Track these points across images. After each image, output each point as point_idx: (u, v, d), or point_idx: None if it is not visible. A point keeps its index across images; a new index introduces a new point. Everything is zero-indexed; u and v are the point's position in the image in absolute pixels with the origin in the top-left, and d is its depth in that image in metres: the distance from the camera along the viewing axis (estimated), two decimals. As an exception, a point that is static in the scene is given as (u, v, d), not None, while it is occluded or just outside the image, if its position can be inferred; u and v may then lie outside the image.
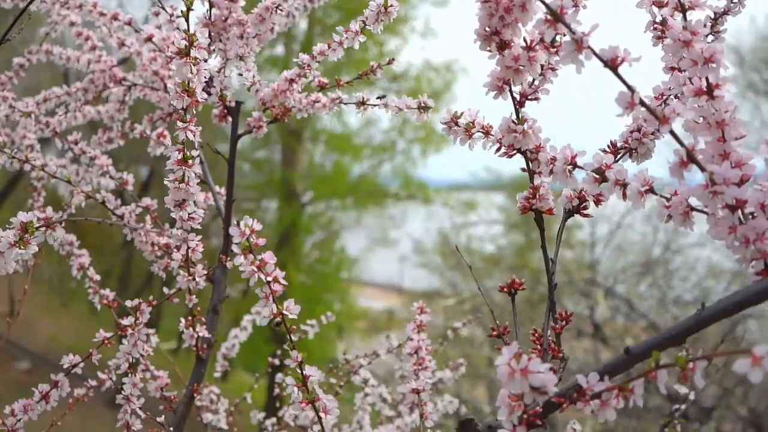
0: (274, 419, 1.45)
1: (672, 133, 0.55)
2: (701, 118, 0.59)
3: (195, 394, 1.05)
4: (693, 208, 0.58)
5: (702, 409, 6.02)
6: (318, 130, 11.95)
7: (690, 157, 0.55)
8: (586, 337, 7.30)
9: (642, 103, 0.54)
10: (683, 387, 1.21)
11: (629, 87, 0.54)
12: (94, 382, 1.20)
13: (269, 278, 0.67)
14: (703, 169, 0.55)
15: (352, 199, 11.88)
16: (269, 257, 0.67)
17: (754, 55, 9.59)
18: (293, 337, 0.69)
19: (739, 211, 0.56)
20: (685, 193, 0.58)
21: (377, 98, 0.98)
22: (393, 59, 1.08)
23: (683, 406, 1.17)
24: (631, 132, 0.73)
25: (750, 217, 0.56)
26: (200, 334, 1.03)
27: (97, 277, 1.17)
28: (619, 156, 0.74)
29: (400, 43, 11.12)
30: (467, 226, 10.45)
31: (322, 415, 0.69)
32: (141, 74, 1.33)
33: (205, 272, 0.96)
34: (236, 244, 0.66)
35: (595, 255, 7.38)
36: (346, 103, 1.04)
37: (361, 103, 1.03)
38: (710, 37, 0.77)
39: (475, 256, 10.18)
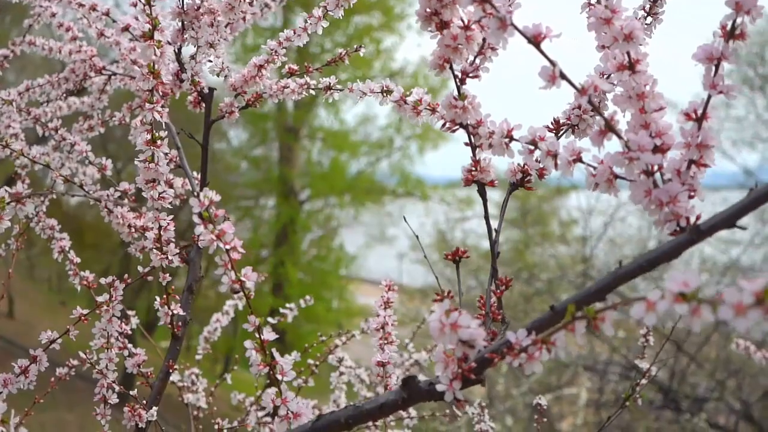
0: (252, 398, 1.49)
1: (590, 103, 0.59)
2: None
3: (170, 370, 1.09)
4: (617, 176, 0.62)
5: (694, 401, 6.06)
6: (315, 127, 12.01)
7: (609, 127, 0.59)
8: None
9: (562, 76, 0.58)
10: (644, 362, 1.25)
11: (551, 61, 0.58)
12: (75, 362, 1.24)
13: (228, 247, 0.71)
14: (620, 137, 0.59)
15: (350, 196, 11.94)
16: (228, 227, 0.71)
17: (749, 50, 9.62)
18: (246, 299, 0.73)
19: (658, 176, 0.60)
20: (609, 162, 0.62)
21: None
22: (360, 46, 1.12)
23: (643, 381, 1.21)
24: (573, 109, 0.77)
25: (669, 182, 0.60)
26: (175, 312, 1.07)
27: (78, 260, 1.21)
28: (561, 132, 0.78)
29: (397, 40, 11.18)
30: (463, 220, 10.51)
31: (279, 376, 0.73)
32: (124, 65, 1.36)
33: (178, 251, 1.00)
34: (196, 214, 0.69)
35: (589, 249, 7.42)
36: (313, 88, 1.09)
37: (328, 88, 1.07)
38: (649, 19, 0.81)
39: (473, 252, 10.23)
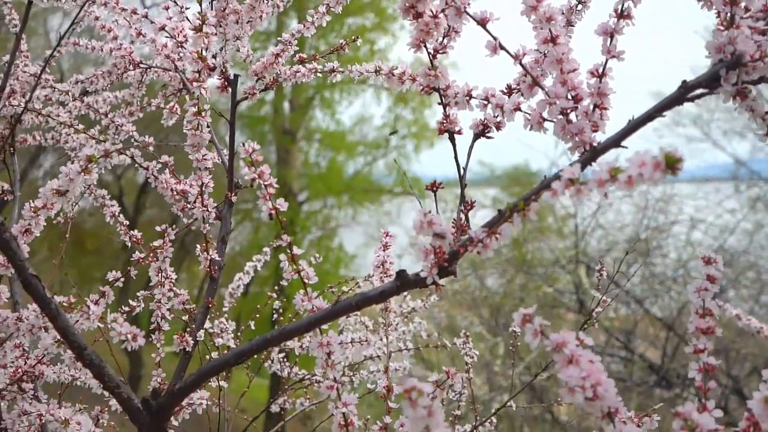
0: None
1: (522, 65, 0.84)
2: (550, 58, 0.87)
3: (209, 305, 1.34)
4: (544, 119, 0.87)
5: (684, 378, 6.32)
6: (312, 129, 12.26)
7: (534, 82, 0.84)
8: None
9: (501, 47, 0.83)
10: (597, 292, 1.49)
11: (493, 37, 0.83)
12: (126, 308, 1.48)
13: (266, 183, 0.95)
14: (543, 89, 0.84)
15: (348, 196, 12.18)
16: (266, 169, 0.96)
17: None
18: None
19: (573, 116, 0.85)
20: (538, 108, 0.86)
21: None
22: (357, 37, 1.37)
23: (599, 309, 1.45)
24: (520, 77, 1.01)
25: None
26: (212, 257, 1.31)
27: (127, 222, 1.45)
28: (513, 95, 1.02)
29: (390, 41, 11.45)
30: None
31: (306, 281, 0.98)
32: (162, 60, 1.61)
33: (216, 205, 1.25)
34: (242, 158, 0.94)
35: (579, 236, 7.68)
36: (320, 72, 1.33)
37: (332, 71, 1.32)
38: (579, 6, 1.06)
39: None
